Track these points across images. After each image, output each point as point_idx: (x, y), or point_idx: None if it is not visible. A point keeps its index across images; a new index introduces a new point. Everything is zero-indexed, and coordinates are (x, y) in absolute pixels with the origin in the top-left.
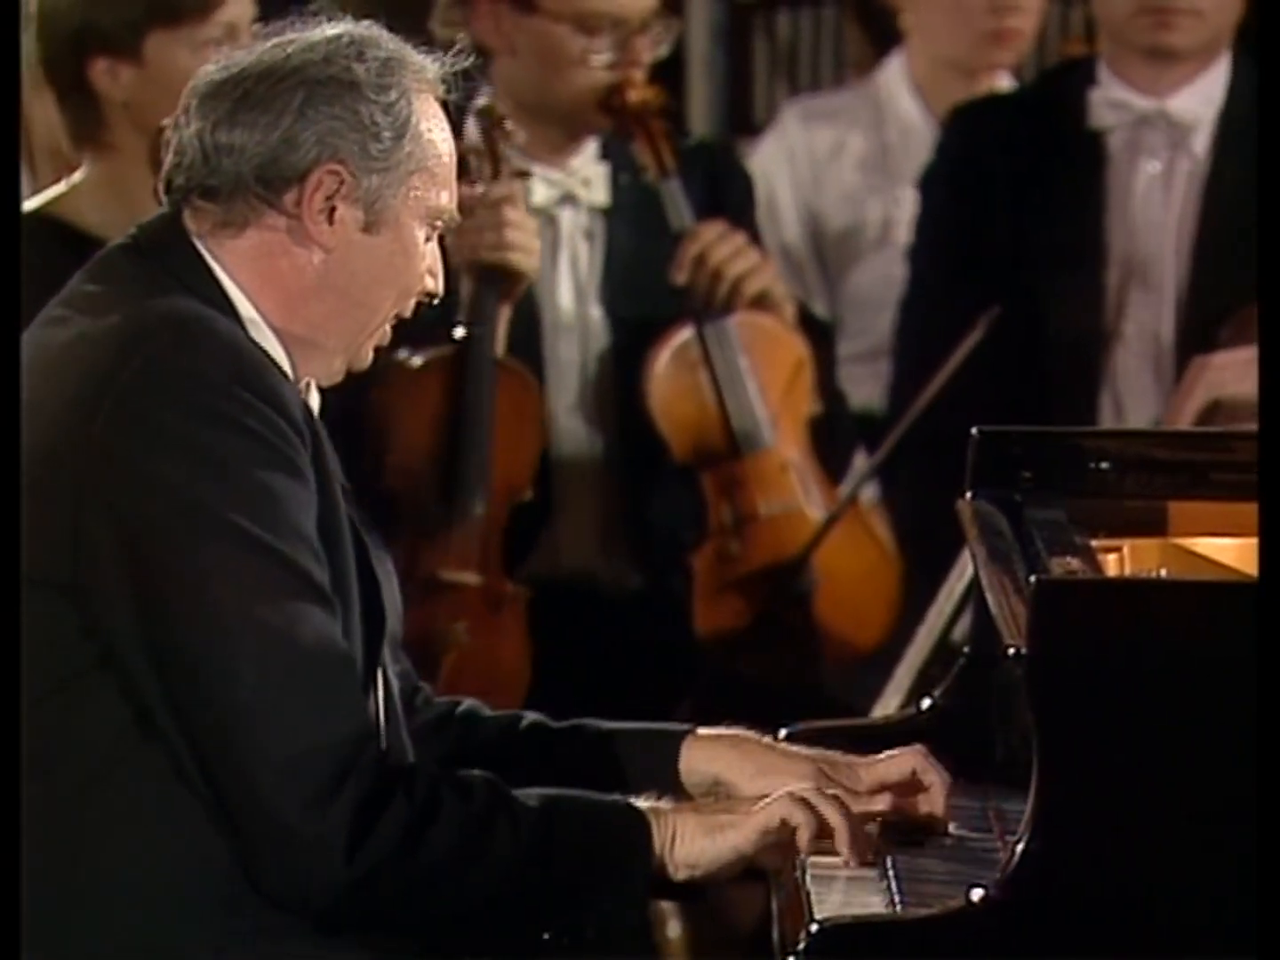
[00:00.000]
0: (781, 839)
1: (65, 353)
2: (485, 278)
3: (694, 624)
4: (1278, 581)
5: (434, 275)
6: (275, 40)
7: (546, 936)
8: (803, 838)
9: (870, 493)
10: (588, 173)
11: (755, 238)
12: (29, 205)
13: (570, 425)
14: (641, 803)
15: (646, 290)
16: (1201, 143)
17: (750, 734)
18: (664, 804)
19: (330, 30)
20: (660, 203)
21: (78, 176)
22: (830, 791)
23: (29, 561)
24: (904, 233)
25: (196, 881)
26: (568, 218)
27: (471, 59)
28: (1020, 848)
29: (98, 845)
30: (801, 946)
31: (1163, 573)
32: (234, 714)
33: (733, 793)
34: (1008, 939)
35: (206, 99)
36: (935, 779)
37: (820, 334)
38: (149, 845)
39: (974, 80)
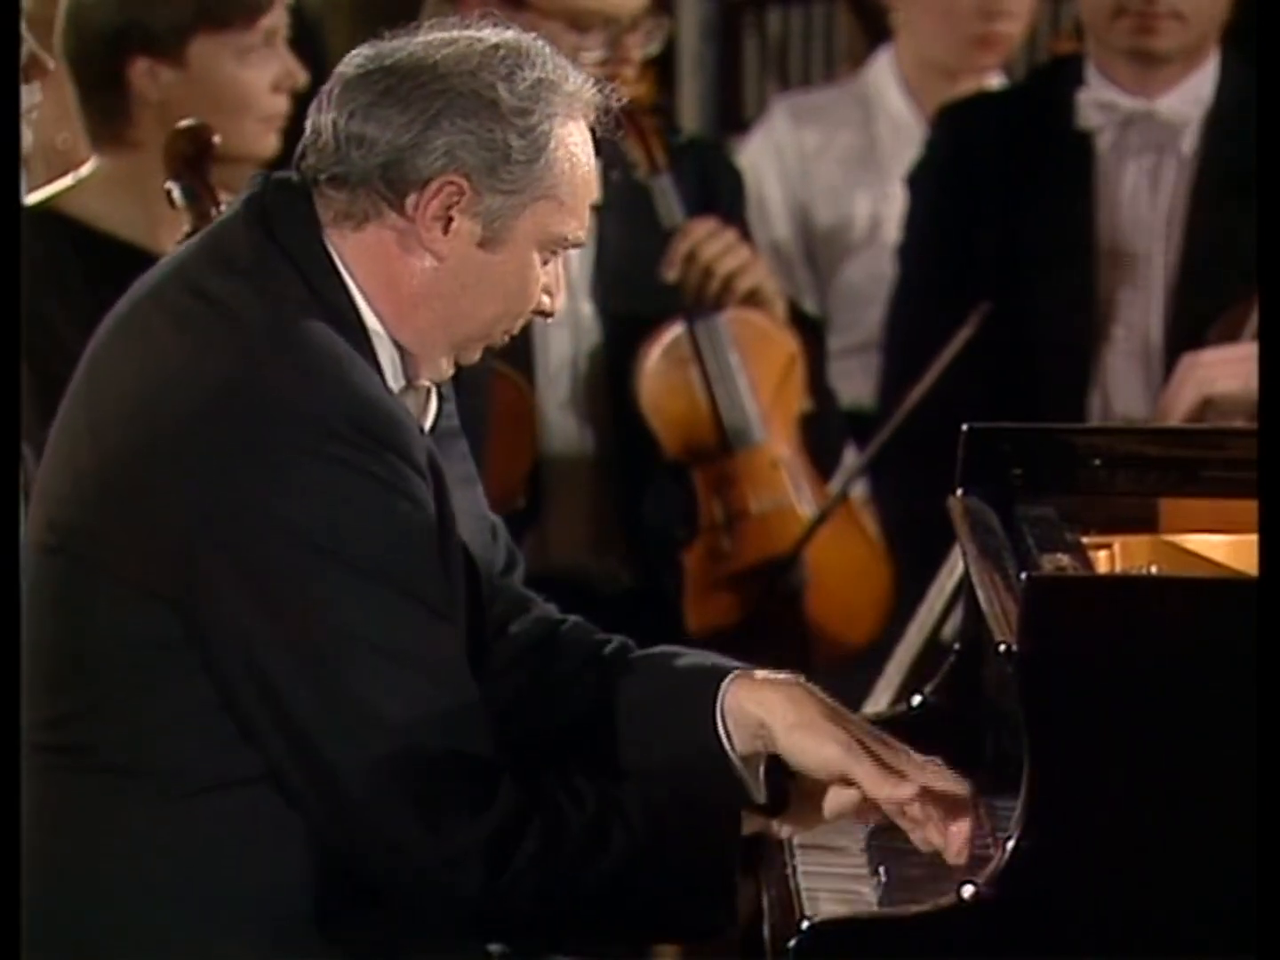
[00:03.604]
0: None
1: (178, 350)
2: None
3: (685, 621)
4: (1274, 577)
5: (551, 294)
6: (432, 36)
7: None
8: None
9: (860, 490)
10: None
11: (746, 235)
12: (33, 199)
13: (561, 422)
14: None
15: (637, 287)
16: (1189, 143)
17: (804, 682)
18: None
19: (490, 39)
20: (651, 199)
21: (85, 171)
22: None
23: (118, 566)
24: (893, 229)
25: (262, 902)
26: None
27: (626, 99)
28: (1011, 845)
29: (169, 855)
30: (793, 944)
31: (1153, 569)
32: (373, 737)
33: (768, 742)
34: (999, 936)
35: (349, 86)
36: (965, 825)
37: (811, 331)
38: (217, 862)
39: (958, 81)
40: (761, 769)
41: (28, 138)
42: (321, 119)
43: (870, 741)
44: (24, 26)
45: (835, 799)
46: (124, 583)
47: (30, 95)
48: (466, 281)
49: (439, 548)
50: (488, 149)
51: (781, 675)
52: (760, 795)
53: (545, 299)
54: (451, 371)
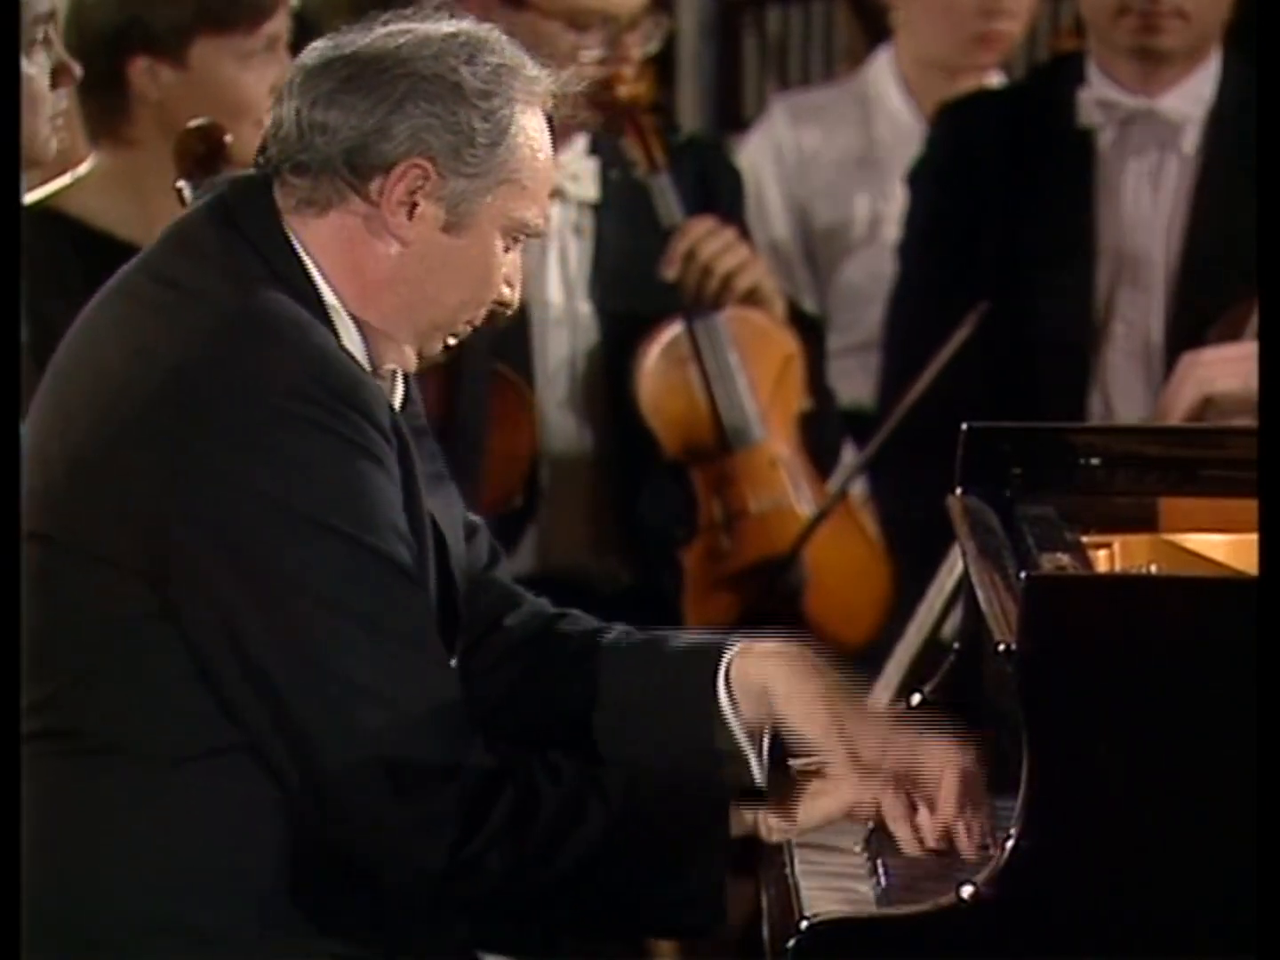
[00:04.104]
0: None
1: (145, 332)
2: None
3: (685, 620)
4: (1274, 577)
5: (511, 285)
6: (391, 27)
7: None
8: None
9: (859, 488)
10: (577, 168)
11: (745, 234)
12: (31, 198)
13: (560, 421)
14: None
15: (636, 286)
16: (1191, 141)
17: (807, 652)
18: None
19: (447, 27)
20: (650, 198)
21: (83, 169)
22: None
23: (91, 543)
24: (892, 229)
25: (243, 877)
26: (557, 213)
27: (585, 84)
28: (1010, 844)
29: (154, 831)
30: (792, 944)
31: (1153, 569)
32: (346, 702)
33: (770, 709)
34: (998, 936)
35: (311, 75)
36: (956, 785)
37: (810, 330)
38: (201, 836)
39: (958, 80)
40: (765, 748)
41: (53, 145)
42: (283, 109)
43: (854, 728)
44: (54, 33)
45: (811, 806)
46: (98, 560)
47: (58, 101)
48: (431, 266)
49: (406, 509)
50: (452, 132)
51: (788, 645)
52: (759, 773)
53: (506, 290)
54: (416, 362)
